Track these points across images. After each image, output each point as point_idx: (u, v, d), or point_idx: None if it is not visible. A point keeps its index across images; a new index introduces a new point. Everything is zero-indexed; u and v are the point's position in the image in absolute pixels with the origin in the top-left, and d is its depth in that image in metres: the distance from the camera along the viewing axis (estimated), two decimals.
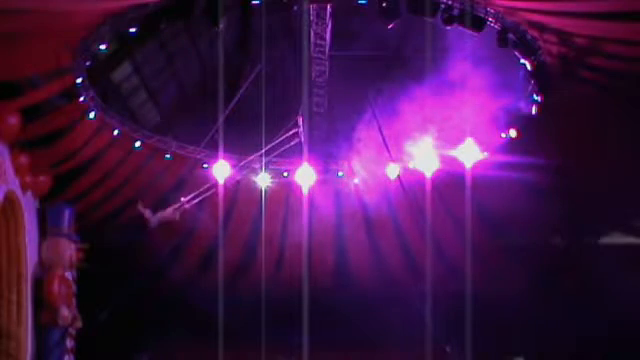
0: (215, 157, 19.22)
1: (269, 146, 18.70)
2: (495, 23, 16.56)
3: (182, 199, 18.96)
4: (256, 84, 18.88)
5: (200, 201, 19.83)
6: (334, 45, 19.66)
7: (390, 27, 16.58)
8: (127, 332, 22.10)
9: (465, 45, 17.11)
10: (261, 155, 19.34)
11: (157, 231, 21.30)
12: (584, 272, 21.04)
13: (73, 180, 19.16)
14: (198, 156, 20.66)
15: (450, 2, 16.23)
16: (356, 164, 20.87)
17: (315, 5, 17.93)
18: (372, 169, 20.61)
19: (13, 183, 15.36)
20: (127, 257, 20.82)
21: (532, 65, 17.13)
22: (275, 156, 19.94)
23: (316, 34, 18.95)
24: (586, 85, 16.99)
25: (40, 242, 16.79)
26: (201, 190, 19.07)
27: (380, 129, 19.42)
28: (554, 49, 16.63)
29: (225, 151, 18.55)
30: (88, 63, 17.25)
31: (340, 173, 21.39)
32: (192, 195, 18.95)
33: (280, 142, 19.02)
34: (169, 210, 18.80)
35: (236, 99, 19.23)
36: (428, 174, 18.92)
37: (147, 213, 18.52)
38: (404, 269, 22.63)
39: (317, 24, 18.68)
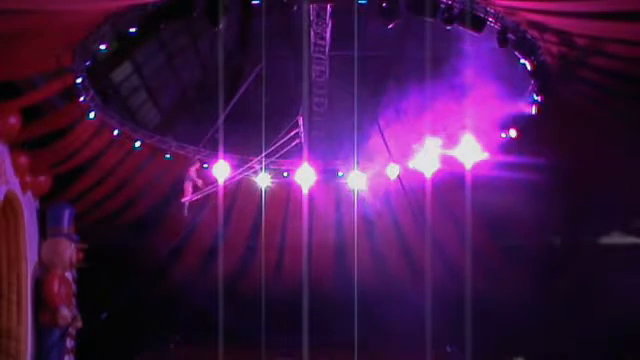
0: (215, 157, 19.21)
1: (270, 149, 18.63)
2: (495, 23, 16.56)
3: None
4: (256, 84, 18.84)
5: (202, 200, 19.76)
6: (334, 45, 19.65)
7: (390, 27, 16.57)
8: (127, 332, 22.09)
9: (466, 45, 17.12)
10: (262, 157, 19.31)
11: (157, 231, 21.39)
12: (584, 272, 21.02)
13: (73, 180, 19.16)
14: (198, 156, 20.65)
15: (450, 2, 16.23)
16: (356, 164, 20.84)
17: (315, 5, 17.92)
18: (372, 169, 20.59)
19: (13, 183, 15.32)
20: (127, 257, 20.81)
21: (532, 65, 17.13)
22: (275, 156, 19.91)
23: (316, 34, 18.93)
24: (586, 85, 16.98)
25: (40, 242, 16.76)
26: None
27: (380, 129, 19.40)
28: (554, 49, 16.64)
29: (225, 151, 18.53)
30: (88, 63, 17.26)
31: (340, 173, 21.37)
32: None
33: (281, 143, 18.98)
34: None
35: (236, 99, 19.18)
36: (428, 174, 18.91)
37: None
38: (404, 269, 22.63)
39: (317, 24, 18.66)
